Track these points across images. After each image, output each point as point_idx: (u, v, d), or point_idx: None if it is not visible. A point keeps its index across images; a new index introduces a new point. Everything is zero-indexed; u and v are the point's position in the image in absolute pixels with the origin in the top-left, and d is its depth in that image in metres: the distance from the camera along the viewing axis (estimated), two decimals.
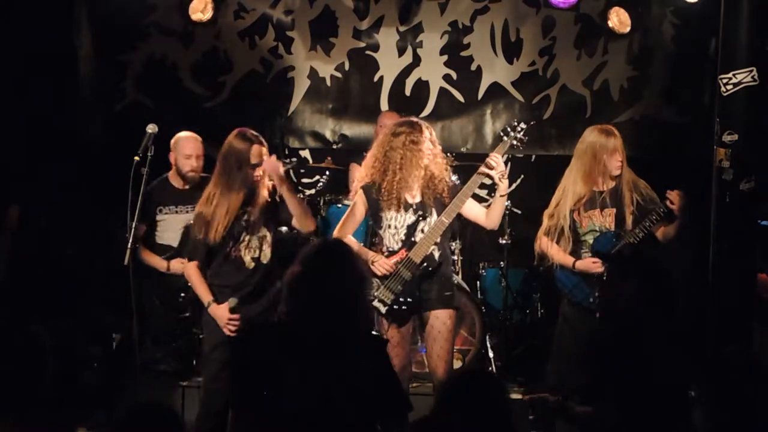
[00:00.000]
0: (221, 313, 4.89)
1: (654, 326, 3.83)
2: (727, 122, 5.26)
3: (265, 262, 4.99)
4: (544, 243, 5.47)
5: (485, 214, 5.15)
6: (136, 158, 5.01)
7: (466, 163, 7.07)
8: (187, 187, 5.90)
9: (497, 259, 6.72)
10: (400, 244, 5.07)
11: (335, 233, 5.22)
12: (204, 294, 4.96)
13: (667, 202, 5.22)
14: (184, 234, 5.81)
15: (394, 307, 5.04)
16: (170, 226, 5.91)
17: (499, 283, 6.71)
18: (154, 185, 5.76)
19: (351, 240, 5.20)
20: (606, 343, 3.95)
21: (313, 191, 6.74)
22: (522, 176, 7.39)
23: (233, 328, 4.85)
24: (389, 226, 5.09)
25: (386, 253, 5.07)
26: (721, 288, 5.32)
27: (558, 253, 5.40)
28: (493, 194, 5.19)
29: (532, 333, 6.66)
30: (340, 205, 6.57)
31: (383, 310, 5.04)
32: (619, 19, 6.98)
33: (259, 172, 4.93)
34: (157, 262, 5.85)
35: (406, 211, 5.07)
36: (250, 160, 4.90)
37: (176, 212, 5.91)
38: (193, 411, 5.29)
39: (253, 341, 3.55)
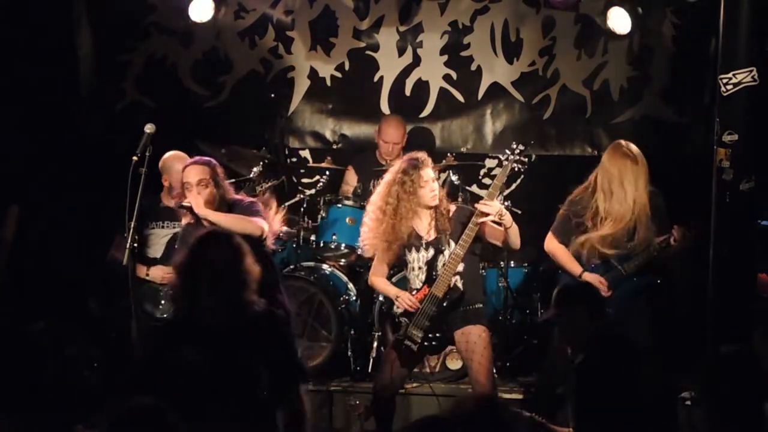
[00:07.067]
0: None
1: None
2: (727, 122, 5.26)
3: None
4: (555, 247, 5.46)
5: (503, 242, 5.23)
6: (135, 158, 5.02)
7: (466, 163, 7.10)
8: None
9: (497, 259, 6.71)
10: (423, 282, 5.15)
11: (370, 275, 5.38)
12: None
13: (671, 239, 5.26)
14: (167, 245, 5.84)
15: (425, 343, 5.11)
16: (155, 240, 5.92)
17: (498, 283, 6.70)
18: (144, 204, 5.79)
19: (378, 280, 5.32)
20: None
21: (313, 191, 6.72)
22: (522, 176, 7.38)
23: None
24: (413, 269, 5.21)
25: (413, 292, 5.14)
26: (721, 288, 5.32)
27: (568, 261, 5.40)
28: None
29: (532, 333, 6.65)
30: (340, 206, 6.56)
31: (415, 348, 5.09)
32: None
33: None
34: (138, 268, 5.83)
35: (427, 249, 5.13)
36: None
37: (162, 227, 5.90)
38: None
39: (159, 336, 3.82)
